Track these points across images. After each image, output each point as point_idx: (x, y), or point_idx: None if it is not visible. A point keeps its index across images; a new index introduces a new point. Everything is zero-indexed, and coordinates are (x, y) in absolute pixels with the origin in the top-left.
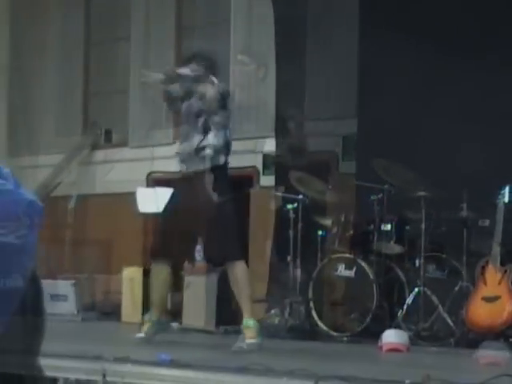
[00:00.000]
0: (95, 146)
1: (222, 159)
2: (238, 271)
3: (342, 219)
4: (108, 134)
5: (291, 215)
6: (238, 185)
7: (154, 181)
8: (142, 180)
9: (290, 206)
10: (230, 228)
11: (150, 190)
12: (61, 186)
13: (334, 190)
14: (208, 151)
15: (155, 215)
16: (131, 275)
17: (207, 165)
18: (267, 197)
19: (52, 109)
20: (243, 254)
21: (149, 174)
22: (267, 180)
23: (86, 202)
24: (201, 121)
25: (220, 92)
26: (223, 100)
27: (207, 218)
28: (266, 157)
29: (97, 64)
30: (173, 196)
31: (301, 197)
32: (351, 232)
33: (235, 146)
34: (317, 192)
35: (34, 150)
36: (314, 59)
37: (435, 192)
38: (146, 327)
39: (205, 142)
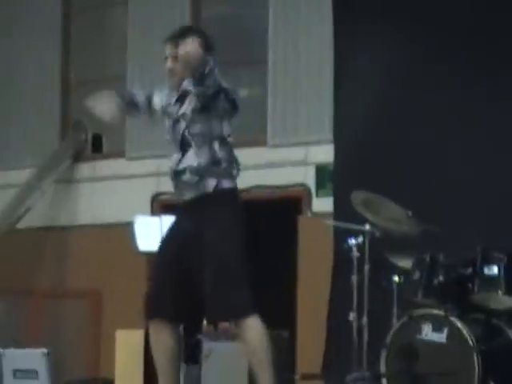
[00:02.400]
0: (79, 157)
1: (210, 183)
2: (248, 331)
3: (428, 259)
4: (97, 139)
5: (355, 254)
6: (280, 210)
7: (162, 206)
8: (145, 205)
9: (353, 241)
10: (232, 273)
11: (155, 220)
12: (30, 213)
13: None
14: (187, 176)
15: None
16: (128, 340)
17: (189, 194)
18: (322, 227)
19: (20, 106)
20: (253, 307)
21: (154, 197)
22: (322, 203)
23: (66, 236)
24: (179, 132)
25: (200, 89)
26: (207, 98)
27: (206, 260)
28: (320, 170)
29: (80, 40)
30: (173, 227)
31: (368, 227)
32: (441, 278)
33: (278, 155)
34: (391, 220)
35: None
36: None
37: None
38: None
39: (183, 163)
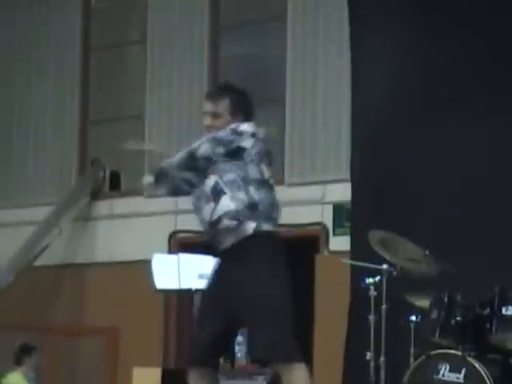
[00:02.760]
0: (96, 195)
1: (250, 226)
2: (296, 378)
3: (445, 299)
4: (115, 177)
5: (372, 293)
6: (297, 248)
7: (179, 244)
8: (163, 243)
9: (370, 281)
10: (283, 315)
11: (172, 258)
12: (48, 250)
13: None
14: (225, 222)
15: (183, 293)
16: (145, 378)
17: (229, 241)
18: (339, 266)
19: (37, 144)
20: (302, 354)
21: (172, 235)
22: (339, 242)
23: (83, 274)
24: (209, 183)
25: (220, 137)
26: (232, 146)
27: (251, 299)
28: (337, 209)
29: (99, 78)
30: (215, 276)
31: (386, 267)
32: (459, 318)
33: (295, 193)
34: (409, 260)
35: (12, 200)
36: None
37: None
38: None
39: (219, 211)
